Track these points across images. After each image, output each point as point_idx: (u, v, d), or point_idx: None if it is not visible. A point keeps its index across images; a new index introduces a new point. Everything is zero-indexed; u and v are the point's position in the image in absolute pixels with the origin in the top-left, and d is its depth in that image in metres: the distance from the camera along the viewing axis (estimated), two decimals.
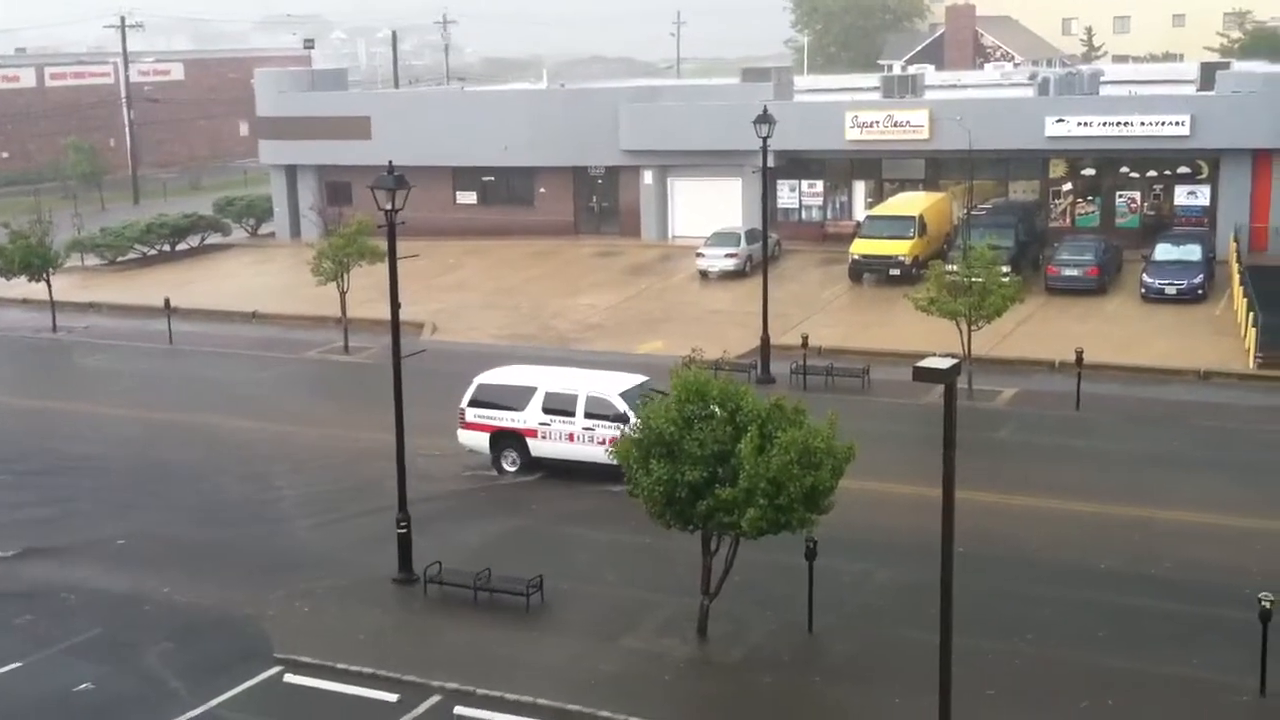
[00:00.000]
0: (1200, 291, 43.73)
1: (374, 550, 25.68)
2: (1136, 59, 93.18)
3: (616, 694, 20.27)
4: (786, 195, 56.79)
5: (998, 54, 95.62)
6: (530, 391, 30.03)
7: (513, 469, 30.10)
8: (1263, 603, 19.29)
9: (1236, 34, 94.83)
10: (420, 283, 47.45)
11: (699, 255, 51.07)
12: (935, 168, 54.69)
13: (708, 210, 55.16)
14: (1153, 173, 51.92)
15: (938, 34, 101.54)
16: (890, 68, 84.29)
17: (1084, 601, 22.90)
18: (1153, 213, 51.97)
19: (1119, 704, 19.59)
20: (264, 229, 65.84)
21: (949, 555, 15.54)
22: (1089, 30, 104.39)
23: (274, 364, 41.77)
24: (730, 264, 50.24)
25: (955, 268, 35.75)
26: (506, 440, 30.04)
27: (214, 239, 62.90)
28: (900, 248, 47.63)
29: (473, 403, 30.47)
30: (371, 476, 29.54)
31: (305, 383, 40.09)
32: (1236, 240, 47.05)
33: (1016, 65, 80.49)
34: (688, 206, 57.44)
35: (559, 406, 29.48)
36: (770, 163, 39.39)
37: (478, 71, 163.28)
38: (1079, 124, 50.00)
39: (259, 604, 23.72)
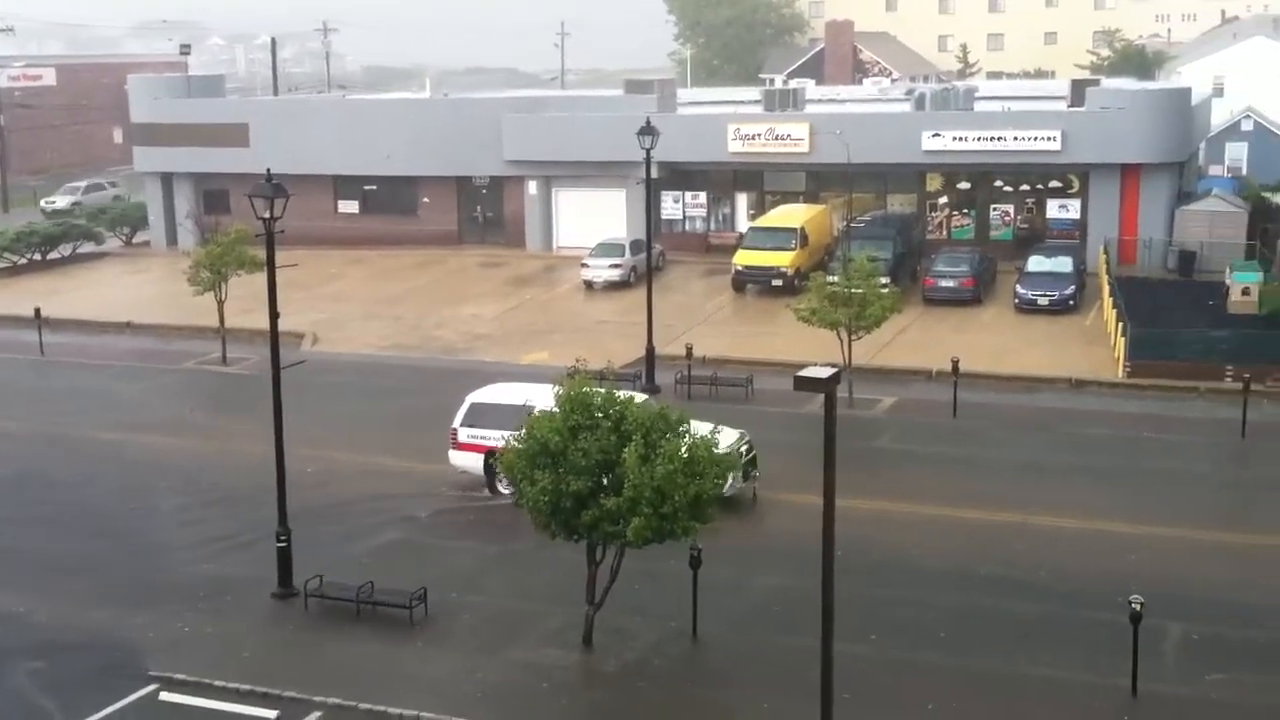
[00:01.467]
0: (1071, 302, 44.87)
1: (253, 565, 25.22)
2: (1010, 76, 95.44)
3: (500, 705, 20.18)
4: (670, 206, 57.08)
5: (876, 69, 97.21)
6: (525, 410, 29.36)
7: (509, 490, 29.40)
8: (1133, 605, 19.83)
9: (1106, 52, 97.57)
10: (301, 292, 46.78)
11: (584, 266, 51.10)
12: (816, 180, 55.40)
13: (592, 221, 55.20)
14: (1025, 187, 53.18)
15: (818, 49, 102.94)
16: (771, 81, 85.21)
17: (962, 606, 23.33)
18: (1026, 226, 53.21)
19: (993, 706, 19.98)
20: (139, 238, 64.37)
21: (829, 562, 15.73)
22: (964, 47, 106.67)
23: (149, 375, 40.84)
24: (615, 275, 50.35)
25: (836, 279, 36.32)
26: None
27: (87, 248, 61.33)
28: (782, 259, 48.17)
29: (465, 423, 29.54)
30: (249, 489, 28.99)
31: (182, 394, 39.25)
32: (1106, 253, 48.39)
33: (894, 81, 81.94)
34: (572, 217, 57.43)
35: None
36: (654, 174, 39.57)
37: (359, 80, 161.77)
38: (954, 139, 51.04)
39: (134, 620, 23.18)
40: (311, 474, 29.59)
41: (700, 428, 27.74)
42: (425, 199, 59.65)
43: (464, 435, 29.36)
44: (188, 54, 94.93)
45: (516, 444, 21.01)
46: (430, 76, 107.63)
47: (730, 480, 26.39)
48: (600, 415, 20.71)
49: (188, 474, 31.19)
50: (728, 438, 27.19)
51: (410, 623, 22.78)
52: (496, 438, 28.02)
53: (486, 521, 27.59)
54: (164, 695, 20.79)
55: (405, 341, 44.17)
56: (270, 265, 23.83)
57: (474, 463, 29.27)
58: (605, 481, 20.28)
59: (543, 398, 28.73)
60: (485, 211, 59.30)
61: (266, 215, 23.39)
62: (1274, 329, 37.40)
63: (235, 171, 55.46)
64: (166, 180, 62.14)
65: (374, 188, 60.29)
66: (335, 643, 22.37)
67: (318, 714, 20.10)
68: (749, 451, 28.01)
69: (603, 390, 21.17)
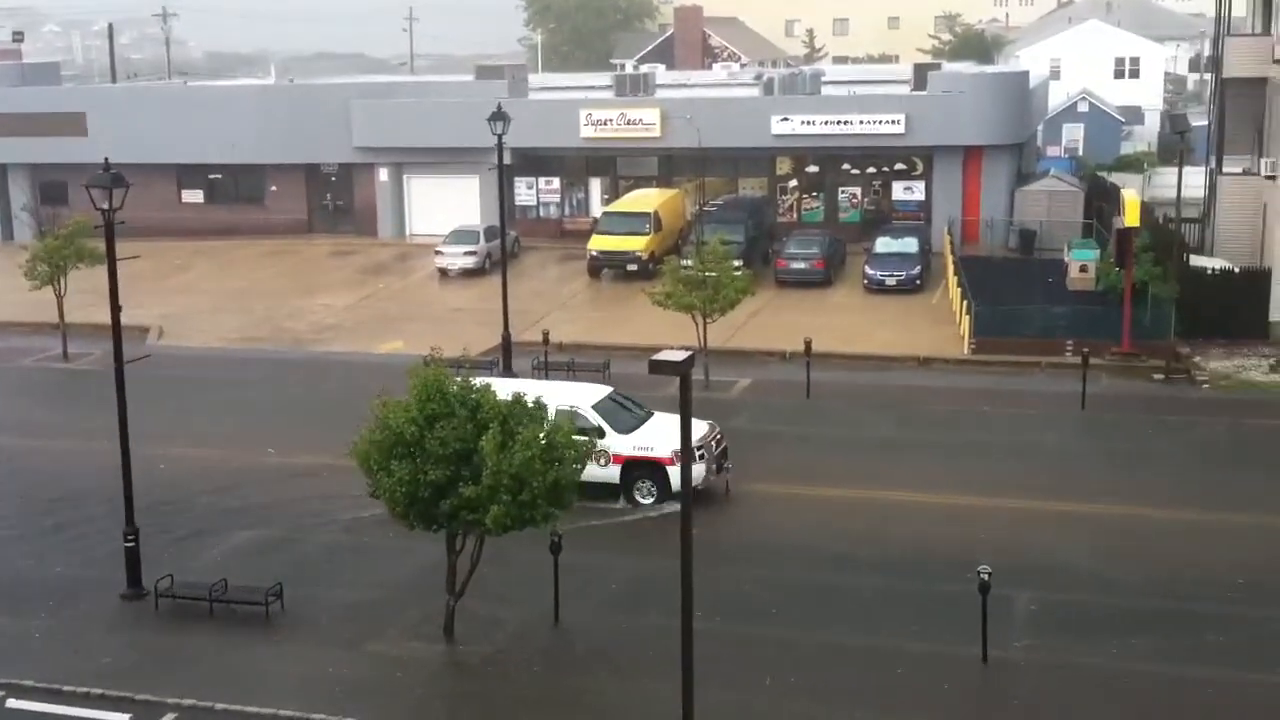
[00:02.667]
0: (918, 282, 45.92)
1: (101, 565, 24.52)
2: (855, 60, 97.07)
3: (360, 701, 19.95)
4: (524, 193, 56.89)
5: (725, 54, 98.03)
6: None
7: None
8: (981, 575, 20.39)
9: (947, 36, 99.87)
10: (146, 285, 45.56)
11: (438, 253, 50.68)
12: (668, 165, 55.74)
13: (445, 208, 54.80)
14: (872, 169, 54.24)
15: (668, 34, 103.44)
16: (622, 67, 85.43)
17: (818, 583, 23.76)
18: (873, 208, 54.28)
19: (845, 678, 20.38)
20: None
21: (688, 541, 15.88)
22: (810, 32, 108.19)
23: None
24: (469, 262, 50.04)
25: (690, 263, 36.64)
26: None
27: None
28: (637, 244, 48.39)
29: None
30: (95, 488, 28.13)
31: (21, 392, 37.95)
32: (950, 233, 49.61)
33: (743, 66, 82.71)
34: (425, 204, 56.91)
35: None
36: (507, 160, 39.42)
37: (201, 66, 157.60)
38: (802, 122, 51.79)
39: None
40: (164, 471, 28.85)
41: (667, 419, 27.89)
42: (273, 187, 58.53)
43: None
44: (20, 41, 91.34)
45: (372, 434, 20.75)
46: (275, 62, 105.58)
47: (703, 473, 26.84)
48: (457, 404, 20.56)
49: (31, 474, 30.17)
50: (698, 429, 27.24)
51: (266, 620, 22.39)
52: None
53: (342, 513, 27.19)
54: (11, 702, 20.12)
55: (256, 333, 43.33)
56: (111, 257, 23.15)
57: None
58: (463, 470, 20.16)
59: (534, 391, 28.08)
60: (335, 200, 58.42)
61: (105, 206, 22.70)
62: (1110, 304, 38.73)
63: (73, 162, 53.70)
64: (1, 172, 59.95)
65: (219, 177, 58.98)
66: (189, 643, 21.87)
67: (172, 716, 19.65)
68: (720, 443, 27.97)
69: (459, 378, 21.03)
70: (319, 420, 31.99)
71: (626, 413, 28.40)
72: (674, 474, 26.76)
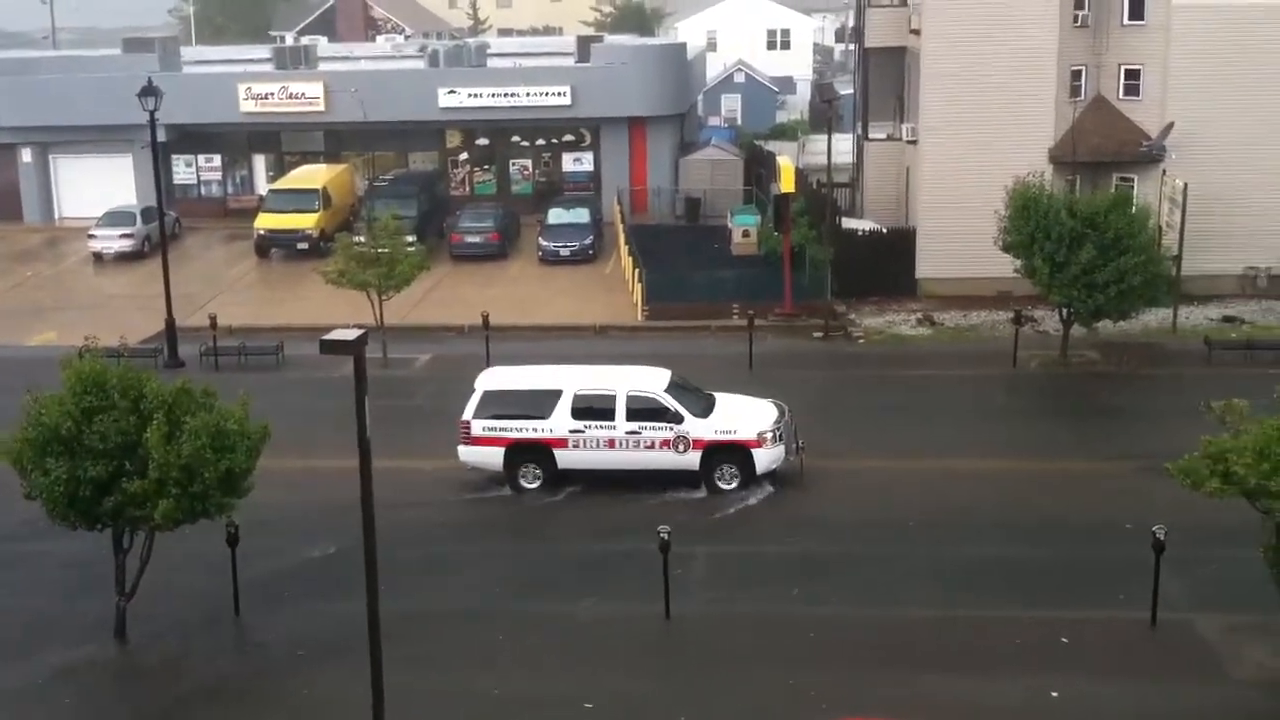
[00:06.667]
0: (591, 252, 46.68)
1: None
2: (520, 32, 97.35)
3: (30, 714, 18.85)
4: (183, 171, 54.67)
5: (389, 26, 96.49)
6: (555, 395, 26.46)
7: (534, 485, 26.52)
8: (661, 535, 21.01)
9: (608, 9, 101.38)
10: None
11: (91, 237, 48.04)
12: (335, 140, 54.63)
13: (99, 189, 51.92)
14: (541, 141, 54.69)
15: (328, 5, 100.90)
16: (282, 39, 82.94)
17: (504, 553, 24.00)
18: (544, 179, 54.78)
19: (531, 646, 20.68)
20: None
21: (370, 523, 15.70)
22: (474, 4, 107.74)
23: None
24: (126, 245, 47.70)
25: (362, 239, 36.07)
26: (527, 453, 26.47)
27: None
28: (306, 221, 47.27)
29: (480, 414, 26.59)
30: None
31: None
32: (620, 203, 50.61)
33: (407, 38, 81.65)
34: (75, 186, 53.83)
35: (594, 409, 26.18)
36: (161, 137, 37.70)
37: None
38: (469, 95, 51.65)
39: None
40: None
41: (738, 400, 27.10)
42: None
43: (479, 428, 26.54)
44: None
45: (25, 432, 19.53)
46: None
47: (782, 454, 26.12)
48: (117, 395, 19.60)
49: None
50: (770, 413, 26.55)
51: None
52: (522, 429, 25.97)
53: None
54: None
55: None
56: None
57: (491, 458, 26.60)
58: (127, 465, 19.27)
59: (579, 380, 26.49)
60: None
61: None
62: (772, 268, 40.42)
63: None
64: None
65: None
66: None
67: None
68: (791, 423, 26.98)
69: (118, 368, 20.06)
70: None
71: (693, 395, 26.97)
72: (760, 456, 26.00)
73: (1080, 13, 39.46)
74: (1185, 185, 35.91)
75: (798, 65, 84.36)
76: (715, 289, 39.97)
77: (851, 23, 59.70)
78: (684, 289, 39.92)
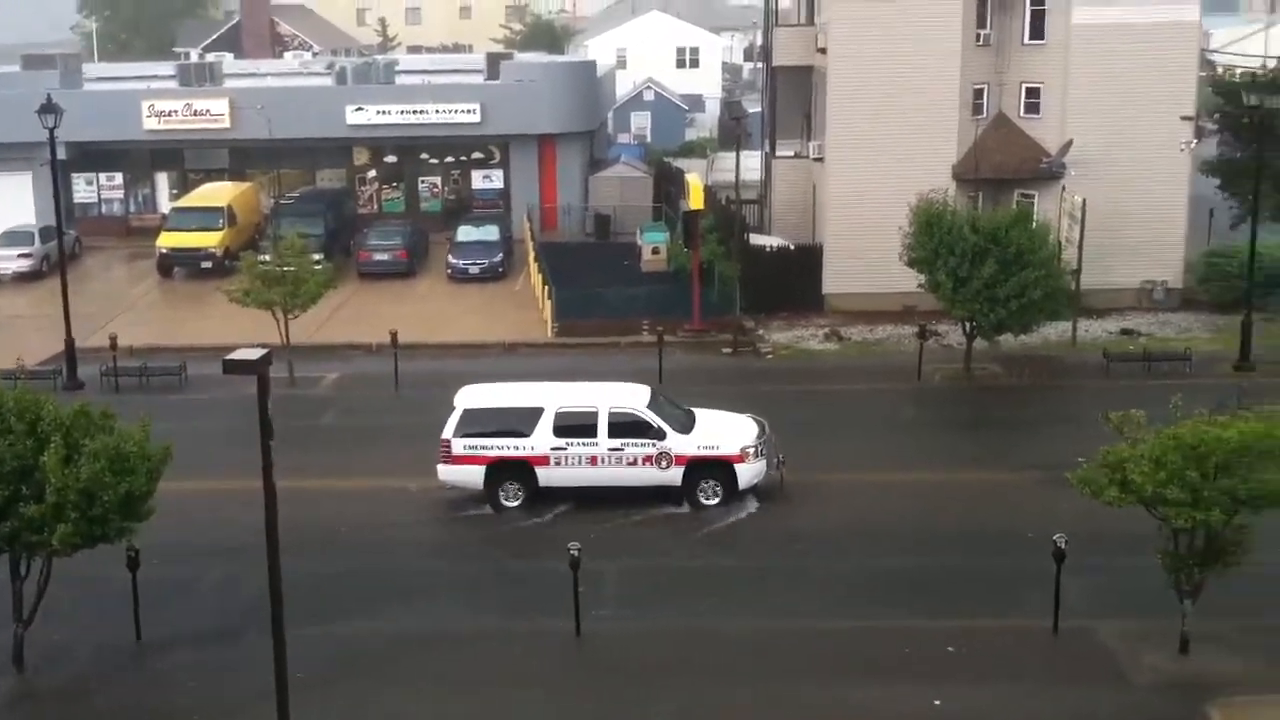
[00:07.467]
0: (501, 270, 46.57)
1: None
2: (429, 49, 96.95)
3: None
4: (84, 189, 53.77)
5: (296, 43, 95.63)
6: (537, 413, 26.03)
7: (514, 503, 26.11)
8: (572, 551, 20.97)
9: (518, 26, 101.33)
10: None
11: None
12: (240, 157, 54.02)
13: None
14: (450, 159, 54.51)
15: (234, 21, 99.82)
16: (186, 55, 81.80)
17: (410, 570, 23.81)
18: (453, 197, 54.60)
19: (442, 662, 20.54)
20: None
21: (274, 547, 15.53)
22: (383, 21, 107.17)
23: None
24: (24, 265, 46.81)
25: (268, 258, 35.71)
26: (508, 472, 26.08)
27: None
28: (210, 239, 46.67)
29: (460, 433, 26.07)
30: None
31: None
32: (530, 220, 50.57)
33: (315, 54, 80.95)
34: None
35: (576, 425, 25.94)
36: (62, 155, 37.07)
37: None
38: (378, 112, 51.36)
39: None
40: None
41: (718, 415, 26.96)
42: None
43: (459, 447, 26.09)
44: None
45: None
46: None
47: (763, 469, 26.08)
48: (14, 418, 19.18)
49: None
50: (751, 429, 26.43)
51: None
52: (503, 446, 25.64)
53: None
54: None
55: None
56: None
57: (472, 477, 26.19)
58: (24, 489, 18.84)
59: (561, 398, 26.19)
60: None
61: None
62: (682, 284, 40.60)
63: None
64: None
65: None
66: None
67: None
68: (771, 438, 26.87)
69: (13, 390, 19.64)
70: None
71: (674, 411, 26.80)
72: (743, 471, 25.91)
73: (982, 32, 40.21)
74: (1084, 201, 36.68)
75: (707, 83, 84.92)
76: (625, 306, 40.06)
77: (759, 42, 60.21)
78: (594, 306, 39.97)
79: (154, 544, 21.44)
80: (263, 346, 15.62)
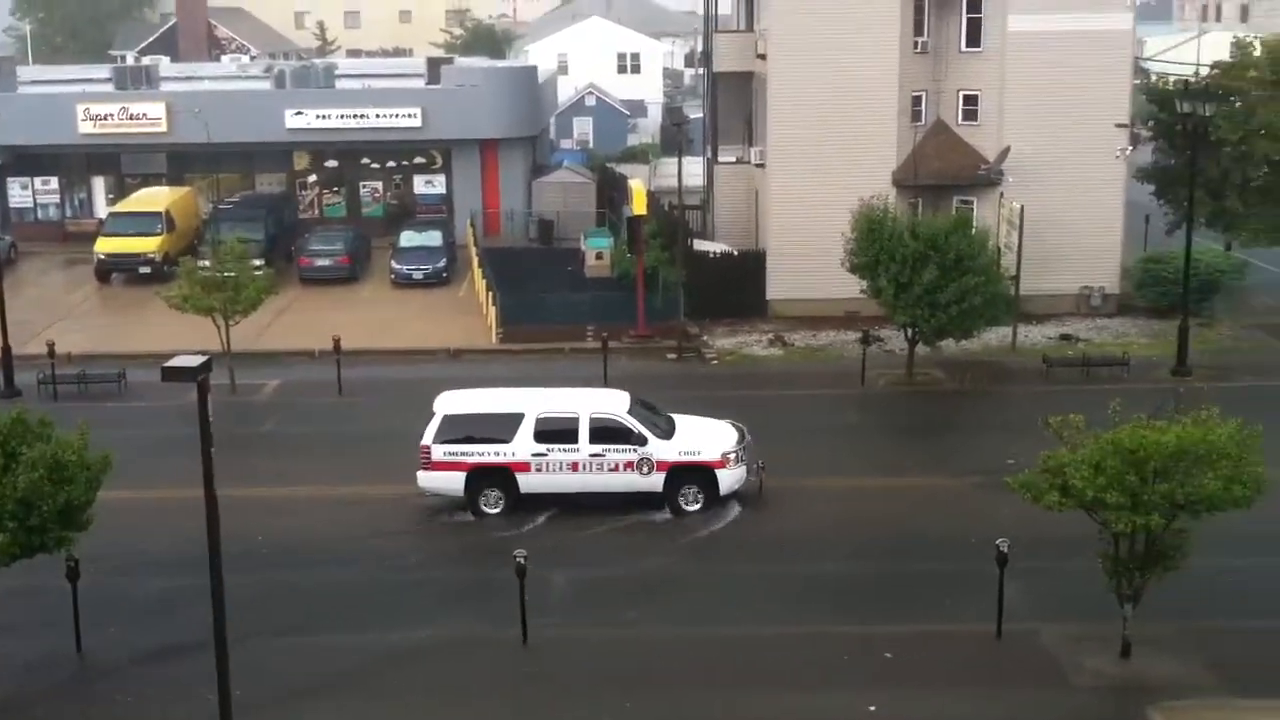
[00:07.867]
0: (444, 275, 46.39)
1: None
2: (369, 53, 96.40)
3: None
4: (19, 194, 53.02)
5: (233, 46, 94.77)
6: (517, 419, 25.68)
7: (495, 510, 25.80)
8: (518, 559, 20.91)
9: (459, 30, 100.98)
10: None
11: None
12: (178, 162, 53.46)
13: None
14: (392, 163, 54.23)
15: (170, 24, 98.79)
16: (122, 58, 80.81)
17: (372, 582, 23.66)
18: (396, 202, 54.31)
19: (396, 675, 20.45)
20: None
21: (216, 555, 15.41)
22: (322, 25, 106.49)
23: None
24: None
25: (207, 263, 35.37)
26: (489, 478, 25.74)
27: None
28: (148, 245, 46.17)
29: (441, 439, 25.66)
30: None
31: None
32: (473, 225, 50.40)
33: (253, 58, 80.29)
34: None
35: (557, 431, 25.71)
36: None
37: None
38: (318, 116, 51.01)
39: None
40: None
41: (697, 421, 26.89)
42: None
43: (439, 453, 25.71)
44: None
45: None
46: None
47: (743, 475, 26.01)
48: None
49: None
50: (730, 434, 26.39)
51: None
52: (484, 453, 25.34)
53: None
54: None
55: None
56: None
57: (452, 483, 25.85)
58: None
59: (542, 404, 26.04)
60: None
61: None
62: (626, 290, 40.63)
63: None
64: None
65: None
66: None
67: None
68: (751, 444, 26.77)
69: None
70: None
71: (655, 417, 26.70)
72: (724, 477, 25.88)
73: (920, 39, 40.55)
74: (1022, 208, 37.10)
75: (648, 89, 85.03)
76: (569, 311, 40.01)
77: (700, 48, 60.40)
78: (538, 311, 39.89)
79: (93, 554, 21.14)
80: (203, 353, 15.53)
